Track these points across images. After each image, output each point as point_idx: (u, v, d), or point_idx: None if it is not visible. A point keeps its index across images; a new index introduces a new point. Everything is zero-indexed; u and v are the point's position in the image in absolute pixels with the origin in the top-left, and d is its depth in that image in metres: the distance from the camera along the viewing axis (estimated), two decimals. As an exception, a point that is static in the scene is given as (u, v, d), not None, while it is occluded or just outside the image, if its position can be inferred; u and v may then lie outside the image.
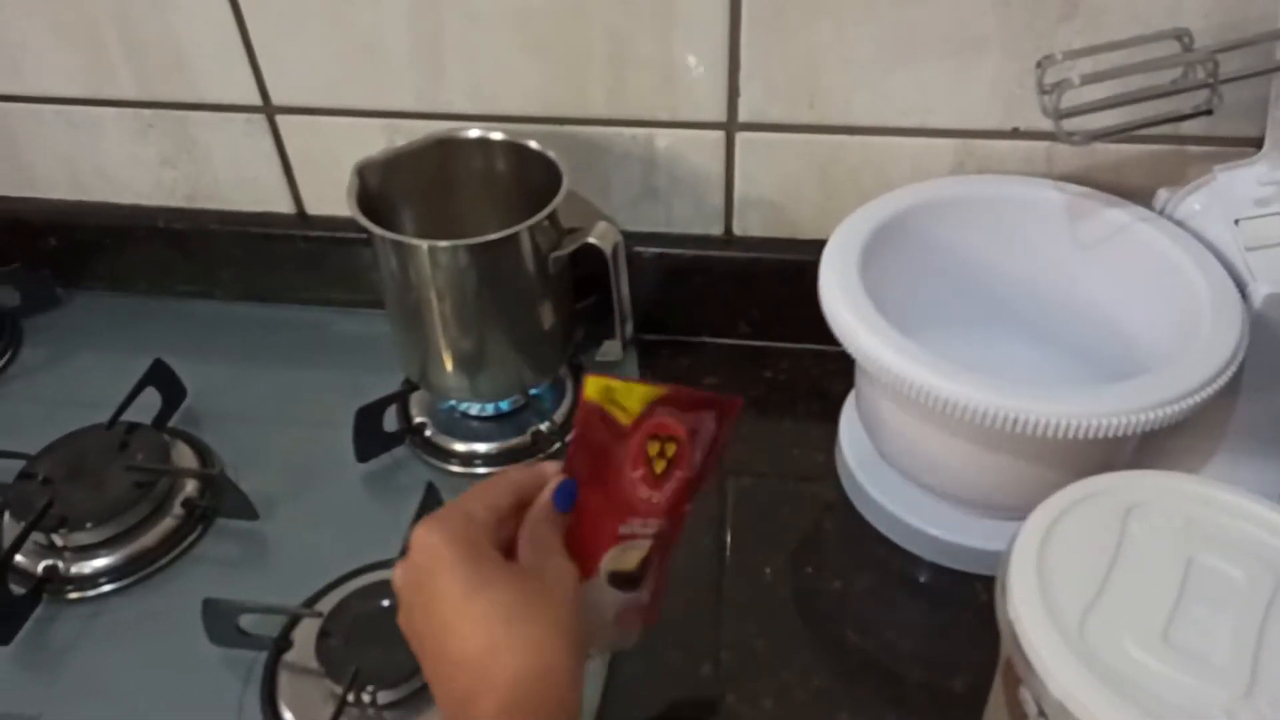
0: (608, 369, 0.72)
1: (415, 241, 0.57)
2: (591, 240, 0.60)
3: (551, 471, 0.42)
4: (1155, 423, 0.47)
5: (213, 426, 0.69)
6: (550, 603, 0.37)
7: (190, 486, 0.64)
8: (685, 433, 0.43)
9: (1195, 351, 0.50)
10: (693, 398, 0.43)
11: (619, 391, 0.41)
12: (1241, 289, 0.54)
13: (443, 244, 0.56)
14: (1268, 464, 0.58)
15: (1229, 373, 0.49)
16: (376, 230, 0.57)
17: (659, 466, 0.43)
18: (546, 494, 0.41)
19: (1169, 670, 0.38)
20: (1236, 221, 0.55)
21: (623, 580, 0.44)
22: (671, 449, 0.43)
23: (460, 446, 0.66)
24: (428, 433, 0.67)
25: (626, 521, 0.43)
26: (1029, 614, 0.40)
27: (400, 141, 0.64)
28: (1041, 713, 0.40)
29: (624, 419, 0.42)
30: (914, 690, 0.53)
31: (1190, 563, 0.41)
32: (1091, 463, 0.51)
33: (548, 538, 0.40)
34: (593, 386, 0.41)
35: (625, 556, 0.44)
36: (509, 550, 0.39)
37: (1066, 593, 0.40)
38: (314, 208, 0.76)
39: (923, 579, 0.59)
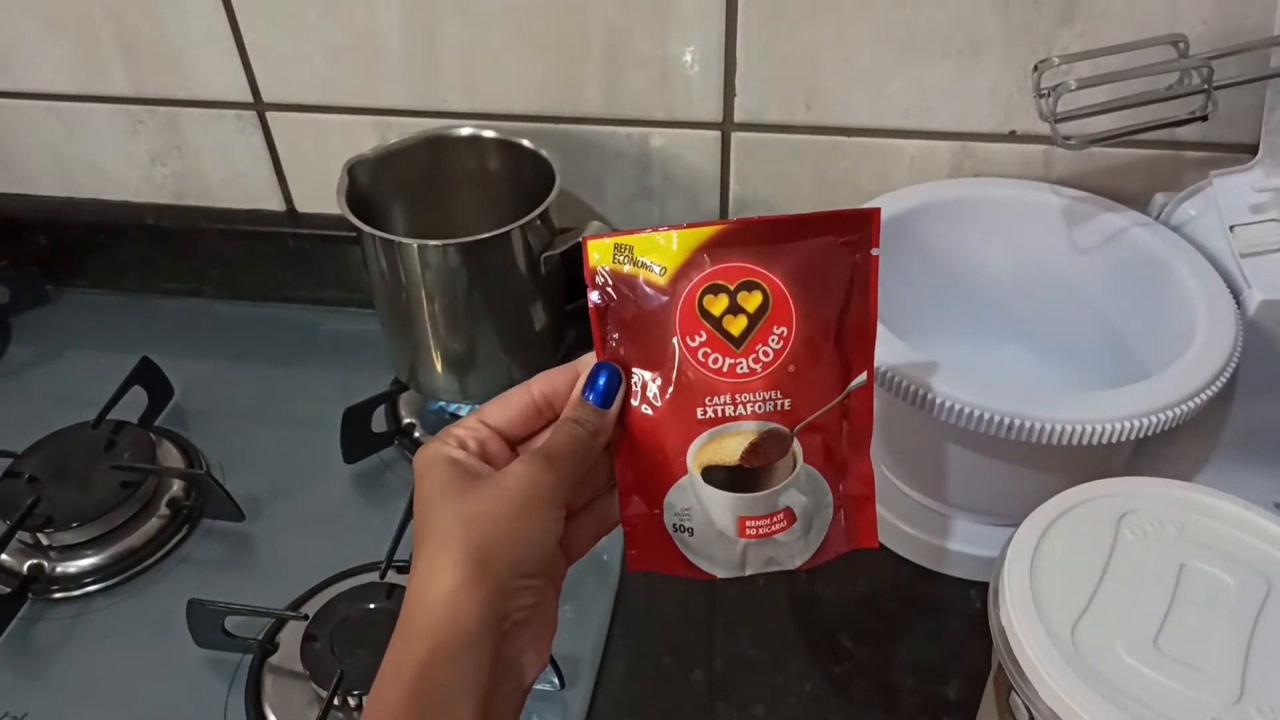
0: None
1: (405, 240, 0.56)
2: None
3: (586, 363, 0.36)
4: (1150, 429, 0.47)
5: (200, 426, 0.69)
6: (459, 516, 0.32)
7: (176, 486, 0.63)
8: (776, 274, 0.34)
9: (1190, 358, 0.50)
10: (784, 224, 0.34)
11: (640, 246, 0.34)
12: (1236, 295, 0.53)
13: (433, 243, 0.56)
14: (1262, 470, 0.57)
15: (1223, 379, 0.49)
16: (366, 229, 0.56)
17: (735, 326, 0.34)
18: (576, 390, 0.35)
19: (1160, 677, 0.37)
20: (1231, 228, 0.55)
21: (734, 478, 0.35)
22: (755, 299, 0.34)
23: (450, 447, 0.66)
24: (416, 434, 0.66)
25: (705, 403, 0.35)
26: (1021, 621, 0.39)
27: (392, 139, 0.64)
28: (1033, 719, 0.40)
29: (657, 278, 0.34)
30: (907, 697, 0.53)
31: (1182, 569, 0.41)
32: (1087, 468, 0.50)
33: (548, 440, 0.34)
34: (597, 250, 0.34)
35: (723, 446, 0.35)
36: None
37: (1058, 599, 0.40)
38: (304, 206, 0.75)
39: (917, 585, 0.58)
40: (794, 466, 0.36)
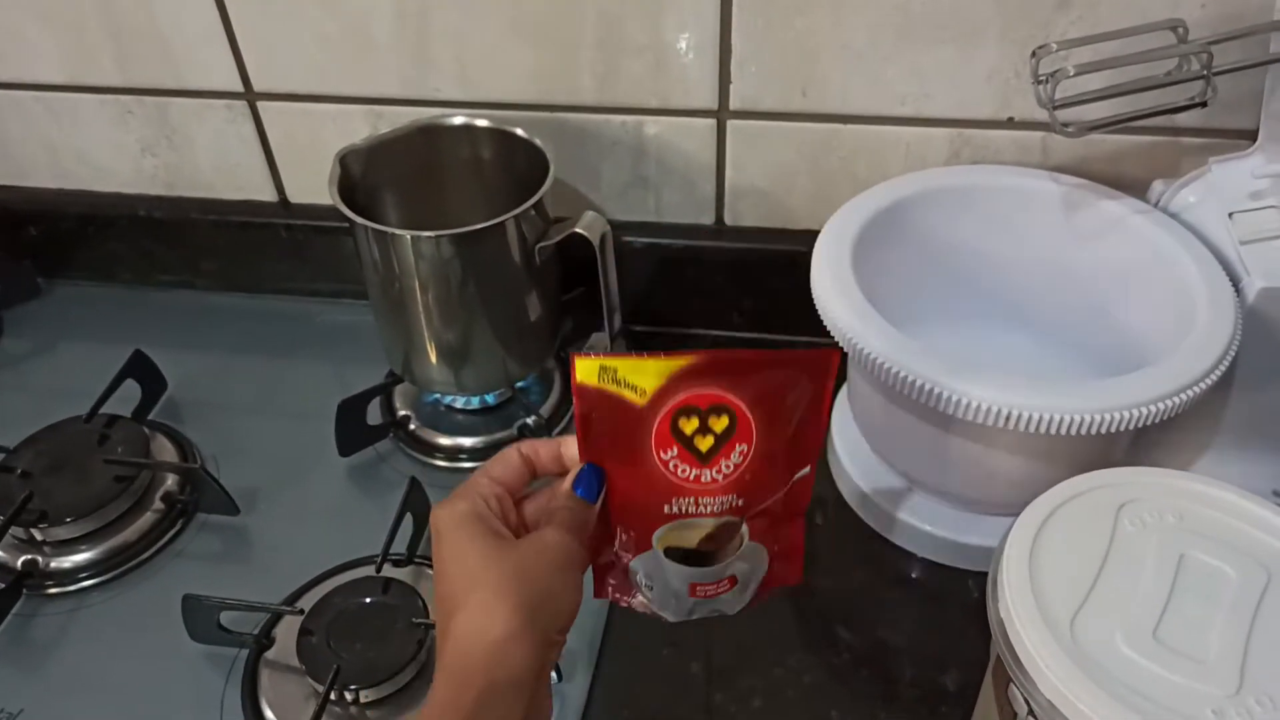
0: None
1: (398, 231, 0.56)
2: (579, 230, 0.59)
3: (569, 455, 0.41)
4: (1149, 418, 0.47)
5: (194, 419, 0.68)
6: (510, 572, 0.37)
7: (170, 480, 0.63)
8: (742, 400, 0.38)
9: (1189, 346, 0.49)
10: (753, 359, 0.38)
11: (623, 369, 0.38)
12: (1235, 283, 0.53)
13: (426, 234, 0.55)
14: (1261, 457, 0.57)
15: (1222, 367, 0.49)
16: (358, 220, 0.56)
17: (703, 443, 0.39)
18: (567, 483, 0.40)
19: (1159, 669, 0.37)
20: (1231, 215, 0.55)
21: (689, 556, 0.42)
22: (721, 422, 0.38)
23: (445, 440, 0.65)
24: (412, 426, 0.66)
25: (671, 501, 0.40)
26: (1020, 612, 0.39)
27: (385, 128, 0.63)
28: (1031, 712, 0.40)
29: (637, 399, 0.38)
30: (905, 688, 0.53)
31: (1182, 559, 0.41)
32: (1086, 458, 0.50)
33: (555, 514, 0.39)
34: (583, 369, 0.38)
35: (684, 534, 0.41)
36: (526, 529, 0.40)
37: (1057, 590, 0.40)
38: (297, 196, 0.75)
39: (915, 575, 0.58)
40: (741, 544, 0.42)
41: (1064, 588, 0.40)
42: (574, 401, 0.39)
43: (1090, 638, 0.38)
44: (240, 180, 0.74)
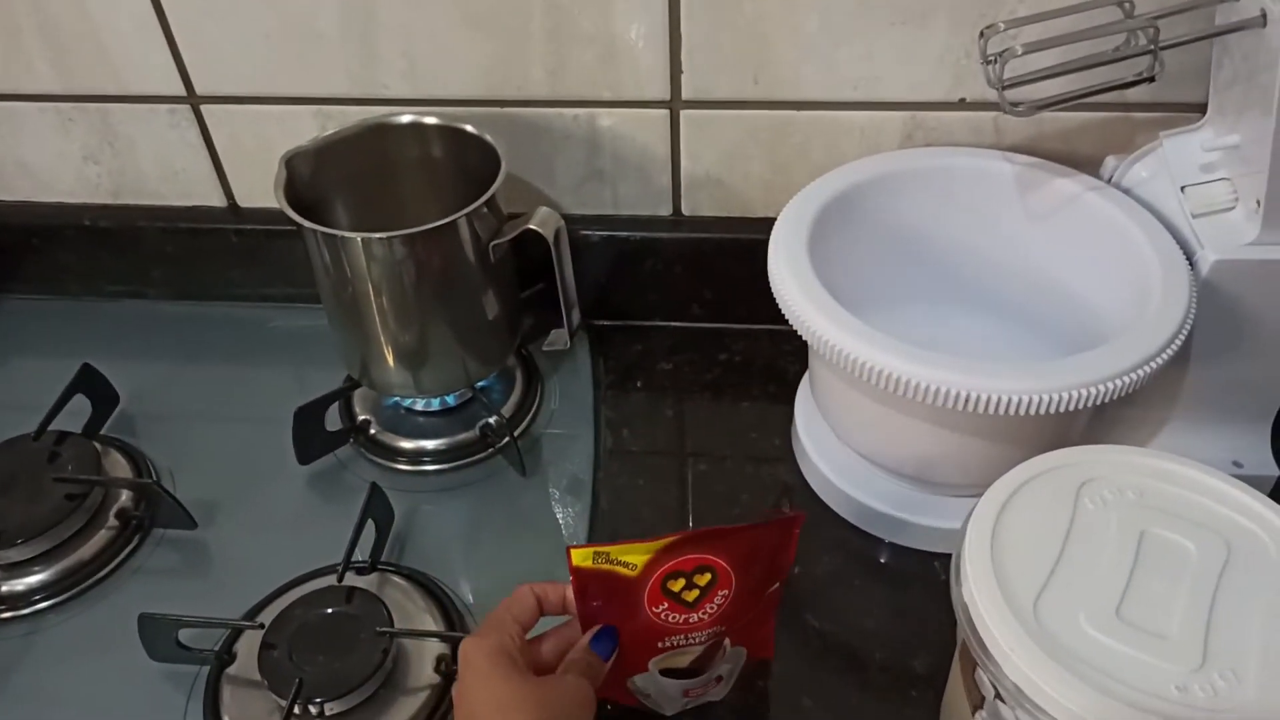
0: (556, 358, 0.70)
1: (348, 234, 0.55)
2: (532, 226, 0.59)
3: (573, 599, 0.45)
4: (1107, 395, 0.47)
5: (148, 432, 0.67)
6: (535, 706, 0.41)
7: (125, 496, 0.61)
8: (725, 561, 0.44)
9: (1145, 322, 0.50)
10: (730, 530, 0.44)
11: (614, 552, 0.44)
12: (1189, 256, 0.53)
13: (377, 236, 0.54)
14: (1221, 430, 0.58)
15: (1178, 342, 0.49)
16: (306, 224, 0.55)
17: (690, 596, 0.45)
18: (585, 639, 0.45)
19: (1123, 647, 0.37)
20: (1183, 188, 0.55)
21: (681, 672, 0.48)
22: (705, 578, 0.45)
23: (407, 444, 0.64)
24: (372, 431, 0.65)
25: (663, 639, 0.46)
26: (983, 597, 0.39)
27: (333, 128, 0.62)
28: (999, 695, 0.40)
29: (629, 572, 0.44)
30: (876, 673, 0.52)
31: (1143, 536, 0.41)
32: (1045, 437, 0.50)
33: (574, 664, 0.44)
34: (578, 556, 0.44)
35: (675, 659, 0.47)
36: (540, 664, 0.45)
37: (1020, 572, 0.40)
38: (246, 200, 0.73)
39: (882, 560, 0.58)
40: (725, 653, 0.49)
41: (1026, 569, 0.40)
42: (571, 580, 0.45)
43: (1054, 619, 0.38)
44: (187, 186, 0.73)
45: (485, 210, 0.57)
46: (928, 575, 0.56)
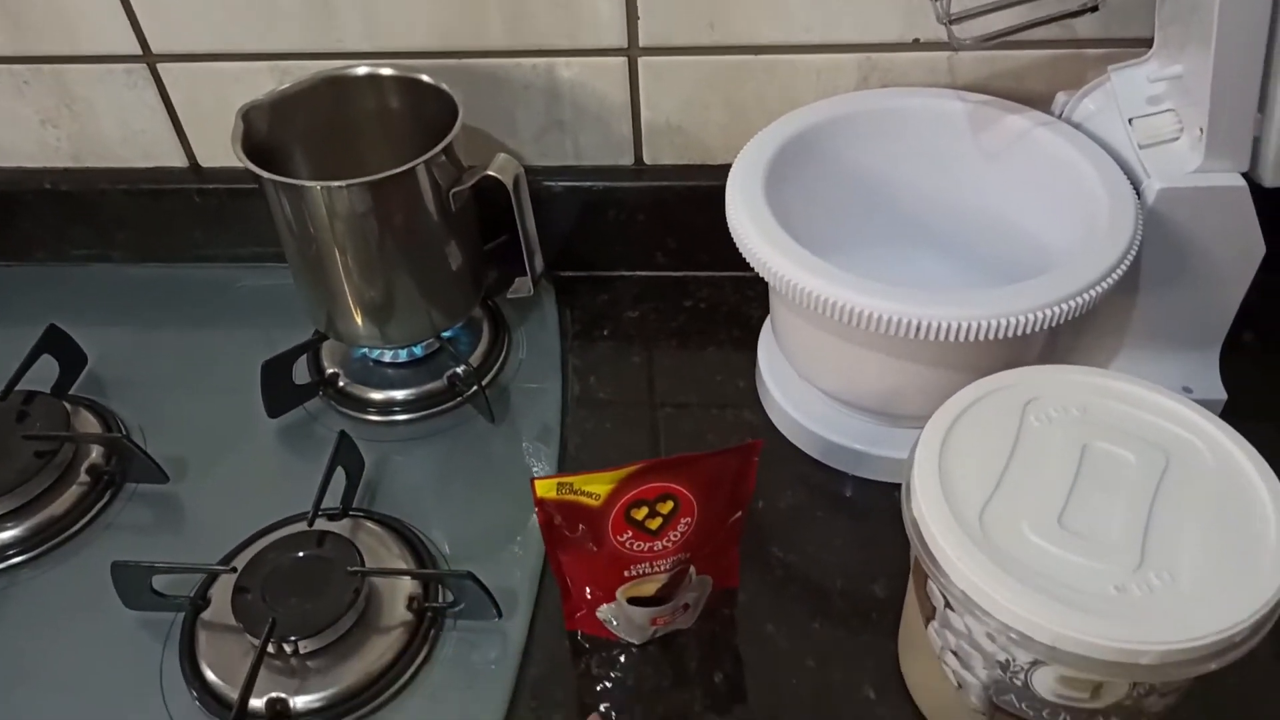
0: (523, 309, 0.71)
1: (307, 184, 0.55)
2: (491, 173, 0.59)
3: None
4: (1055, 319, 0.48)
5: (117, 392, 0.67)
6: None
7: (95, 453, 0.62)
8: (687, 488, 0.46)
9: (1092, 248, 0.51)
10: (691, 459, 0.45)
11: (578, 482, 0.45)
12: (1136, 186, 0.54)
13: (336, 184, 0.54)
14: (1169, 358, 0.59)
15: (1124, 266, 0.50)
16: (265, 175, 0.55)
17: (653, 524, 0.46)
18: None
19: (1064, 552, 0.39)
20: (1130, 120, 0.56)
21: (646, 600, 0.49)
22: (667, 506, 0.46)
23: (376, 395, 0.65)
24: (341, 383, 0.66)
25: (630, 568, 0.48)
26: (931, 510, 0.40)
27: (291, 84, 0.62)
28: (948, 604, 0.41)
29: (592, 502, 0.45)
30: (837, 598, 0.54)
31: (1085, 449, 0.42)
32: (998, 365, 0.51)
33: None
34: (542, 487, 0.45)
35: (641, 587, 0.49)
36: None
37: (966, 487, 0.41)
38: (207, 160, 0.73)
39: (845, 493, 0.59)
40: (690, 581, 0.50)
41: (972, 484, 0.41)
42: (536, 512, 0.46)
43: (998, 529, 0.40)
44: (148, 147, 0.73)
45: (443, 158, 0.57)
46: (889, 506, 0.57)
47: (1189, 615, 0.36)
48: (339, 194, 0.55)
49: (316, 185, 0.55)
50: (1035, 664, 0.39)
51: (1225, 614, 0.36)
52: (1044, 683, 0.40)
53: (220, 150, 0.72)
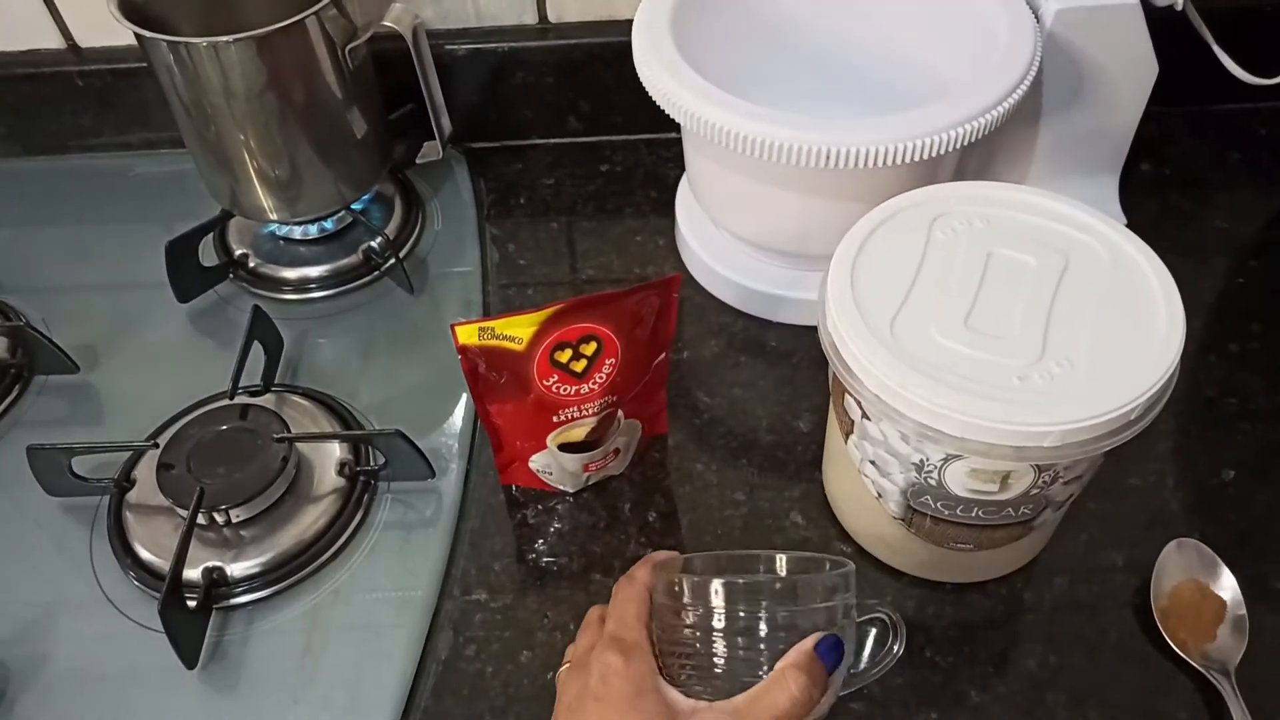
0: (435, 182, 0.69)
1: (193, 40, 0.52)
2: (387, 23, 0.57)
3: (660, 558, 0.41)
4: (960, 139, 0.49)
5: (14, 287, 0.64)
6: None
7: (-1, 346, 0.60)
8: (609, 328, 0.46)
9: (993, 71, 0.51)
10: (610, 296, 0.45)
11: (499, 326, 0.45)
12: (1035, 11, 0.55)
13: (223, 39, 0.52)
14: (1073, 183, 0.61)
15: (1024, 86, 0.51)
16: (146, 34, 0.52)
17: (578, 366, 0.46)
18: (808, 644, 0.37)
19: (970, 350, 0.40)
20: (1029, -54, 0.56)
21: (577, 446, 0.50)
22: (590, 347, 0.46)
23: (290, 274, 0.64)
24: (252, 264, 0.64)
25: (558, 413, 0.48)
26: (844, 323, 0.41)
27: (166, -55, 0.58)
28: (865, 414, 0.43)
29: (515, 346, 0.45)
30: (763, 434, 0.55)
31: (989, 256, 0.44)
32: (908, 194, 0.52)
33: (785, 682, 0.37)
34: (463, 333, 0.45)
35: (570, 433, 0.49)
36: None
37: (877, 300, 0.42)
38: (86, 39, 0.69)
39: (766, 338, 0.61)
40: (619, 425, 0.51)
41: (883, 297, 0.42)
42: (460, 360, 0.46)
43: (908, 335, 0.41)
44: (18, 28, 0.68)
45: (334, 11, 0.55)
46: (809, 347, 0.59)
47: (1087, 397, 0.38)
48: (227, 50, 0.53)
49: (203, 41, 0.52)
50: (947, 460, 0.41)
51: (1120, 393, 0.38)
52: (956, 478, 0.42)
53: (99, 26, 0.68)
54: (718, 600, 0.38)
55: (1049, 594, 0.48)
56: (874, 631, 0.45)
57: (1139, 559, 0.48)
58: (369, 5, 0.62)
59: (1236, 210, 0.66)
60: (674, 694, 0.37)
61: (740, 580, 0.38)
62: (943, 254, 0.44)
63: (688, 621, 0.38)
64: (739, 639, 0.38)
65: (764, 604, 0.38)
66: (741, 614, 0.38)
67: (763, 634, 0.38)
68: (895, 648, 0.42)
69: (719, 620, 0.38)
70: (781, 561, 0.41)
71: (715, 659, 0.38)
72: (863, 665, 0.44)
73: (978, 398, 0.38)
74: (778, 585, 0.40)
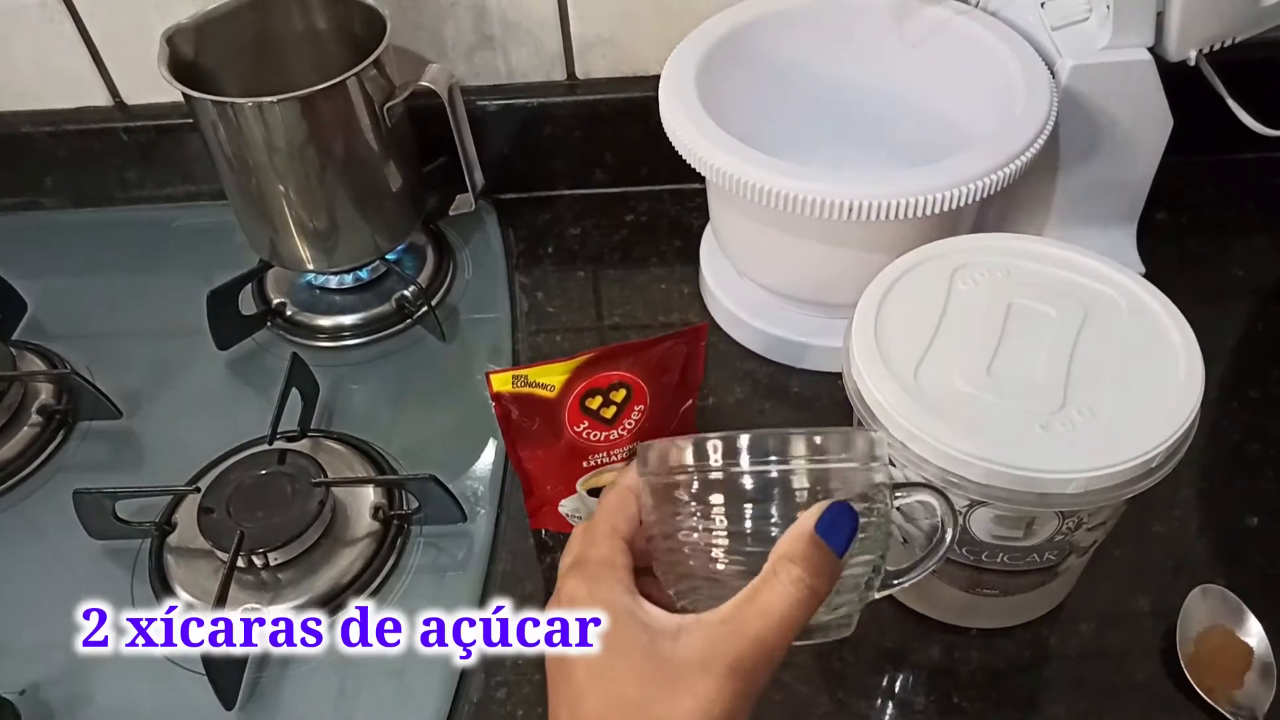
0: (466, 232, 0.71)
1: (239, 101, 0.55)
2: (425, 83, 0.59)
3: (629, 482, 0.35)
4: (979, 192, 0.50)
5: (61, 335, 0.66)
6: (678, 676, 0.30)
7: (45, 393, 0.61)
8: (638, 375, 0.47)
9: (1011, 126, 0.53)
10: (639, 345, 0.47)
11: (532, 374, 0.46)
12: (1051, 66, 0.56)
13: (268, 100, 0.54)
14: (1090, 233, 0.62)
15: (1042, 139, 0.52)
16: (194, 94, 0.54)
17: (608, 413, 0.48)
18: (807, 523, 0.31)
19: (993, 398, 0.41)
20: (1042, 4, 0.58)
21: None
22: (620, 394, 0.47)
23: (325, 321, 0.65)
24: (289, 312, 0.66)
25: (587, 459, 0.49)
26: (868, 372, 0.43)
27: (214, 6, 0.61)
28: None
29: (547, 394, 0.47)
30: (787, 480, 0.56)
31: (1010, 307, 0.45)
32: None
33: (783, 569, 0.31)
34: (498, 381, 0.46)
35: (599, 478, 0.51)
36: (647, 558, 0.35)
37: (901, 348, 0.43)
38: (133, 97, 0.72)
39: (791, 385, 0.61)
40: None
41: (906, 346, 0.44)
42: (494, 406, 0.47)
43: (932, 382, 0.42)
44: (70, 86, 0.71)
45: (374, 72, 0.57)
46: (833, 393, 0.60)
47: (1109, 445, 0.39)
48: (271, 110, 0.55)
49: (249, 102, 0.54)
50: (972, 506, 0.42)
51: (1142, 441, 0.39)
52: (981, 524, 0.42)
53: (144, 84, 0.71)
54: (715, 456, 0.32)
55: (1075, 640, 0.49)
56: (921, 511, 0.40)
57: (1164, 605, 0.48)
58: (406, 65, 0.65)
59: (1254, 257, 0.66)
60: (654, 613, 0.31)
61: (744, 435, 0.32)
62: (964, 304, 0.45)
63: (687, 507, 0.32)
64: (746, 523, 0.31)
65: (773, 461, 0.32)
66: (746, 481, 0.31)
67: (774, 515, 0.31)
68: (948, 534, 0.35)
69: (717, 497, 0.32)
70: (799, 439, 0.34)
71: (715, 551, 0.31)
72: (912, 560, 0.36)
73: (1001, 445, 0.39)
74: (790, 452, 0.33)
